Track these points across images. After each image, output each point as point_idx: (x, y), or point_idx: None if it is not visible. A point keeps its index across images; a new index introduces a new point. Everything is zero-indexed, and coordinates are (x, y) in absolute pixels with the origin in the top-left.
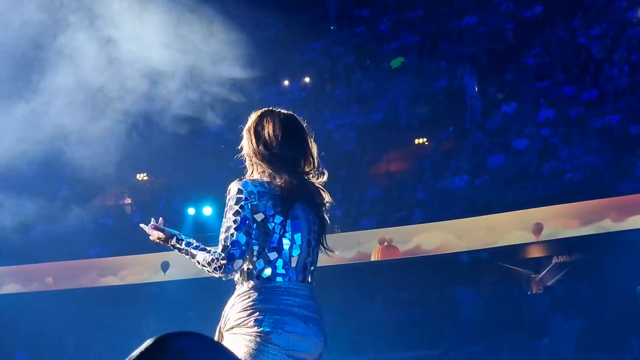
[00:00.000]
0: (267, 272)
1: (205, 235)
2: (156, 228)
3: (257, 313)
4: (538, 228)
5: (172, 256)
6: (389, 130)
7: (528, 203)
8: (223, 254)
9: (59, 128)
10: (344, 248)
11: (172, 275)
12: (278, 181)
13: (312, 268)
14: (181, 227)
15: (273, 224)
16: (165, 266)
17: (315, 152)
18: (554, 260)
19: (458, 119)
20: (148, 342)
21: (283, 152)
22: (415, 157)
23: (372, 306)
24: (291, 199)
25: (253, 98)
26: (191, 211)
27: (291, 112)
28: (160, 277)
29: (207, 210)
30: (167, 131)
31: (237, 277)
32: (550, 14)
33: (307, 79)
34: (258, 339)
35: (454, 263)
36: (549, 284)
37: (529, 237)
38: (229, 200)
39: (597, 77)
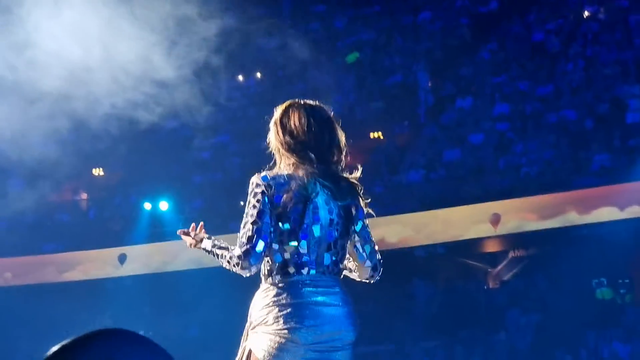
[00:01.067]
0: (286, 265)
1: (161, 230)
2: (185, 233)
3: (277, 310)
4: (496, 218)
5: (128, 249)
6: (344, 125)
7: (484, 197)
8: (241, 251)
9: (8, 122)
10: None
11: (128, 270)
12: (300, 172)
13: (337, 260)
14: (137, 222)
15: (292, 216)
16: (122, 259)
17: (343, 142)
18: (511, 254)
19: (413, 114)
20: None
21: (309, 141)
22: (370, 151)
23: None
24: (312, 189)
25: (207, 93)
26: (147, 206)
27: (318, 103)
28: (117, 272)
29: (164, 205)
30: (123, 126)
31: (260, 272)
32: (505, 9)
33: (261, 75)
34: (278, 337)
35: (410, 257)
36: (506, 278)
37: (485, 232)
38: (248, 195)
39: (552, 72)
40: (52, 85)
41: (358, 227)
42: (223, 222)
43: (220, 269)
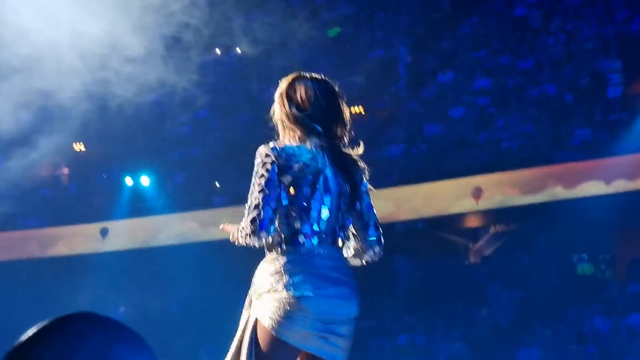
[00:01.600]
0: (295, 235)
1: (143, 205)
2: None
3: (286, 277)
4: (477, 192)
5: (110, 224)
6: None
7: (465, 172)
8: (249, 220)
9: None
10: None
11: (110, 245)
12: (308, 144)
13: (345, 233)
14: (119, 197)
15: (302, 186)
16: (104, 232)
17: (348, 116)
18: (492, 229)
19: (394, 88)
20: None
21: (315, 114)
22: (351, 125)
23: None
24: (321, 161)
25: (186, 67)
26: (129, 181)
27: (323, 76)
28: (99, 247)
29: (145, 180)
30: (104, 101)
31: (266, 242)
32: None
33: (241, 49)
34: (286, 304)
35: (391, 232)
36: (487, 253)
37: (467, 207)
38: (256, 165)
39: (533, 47)
40: (24, 61)
41: (363, 202)
42: (205, 196)
43: (201, 245)
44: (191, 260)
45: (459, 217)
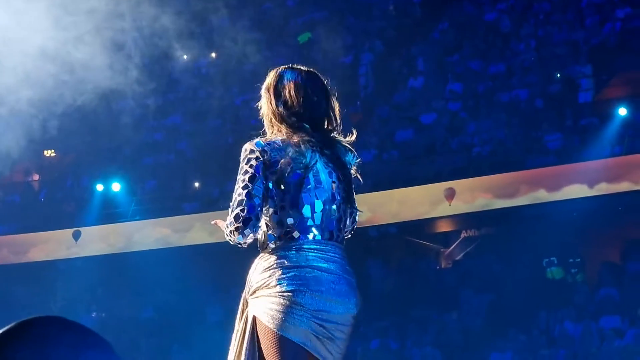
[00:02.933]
0: (288, 231)
1: (113, 211)
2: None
3: (280, 272)
4: (450, 193)
5: (81, 231)
6: None
7: (436, 177)
8: (233, 216)
9: None
10: None
11: (82, 251)
12: (295, 138)
13: (340, 226)
14: (89, 203)
15: (291, 181)
16: (77, 235)
17: (338, 110)
18: (463, 234)
19: (365, 94)
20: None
21: (304, 112)
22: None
23: None
24: (309, 154)
25: (159, 73)
26: (99, 187)
27: (312, 69)
28: (70, 253)
29: (116, 187)
30: (75, 107)
31: (258, 240)
32: None
33: (214, 54)
34: (282, 300)
35: (363, 237)
36: (458, 258)
37: (438, 212)
38: (241, 162)
39: (504, 52)
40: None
41: (353, 192)
42: (176, 203)
43: (174, 250)
44: (164, 266)
45: (430, 222)
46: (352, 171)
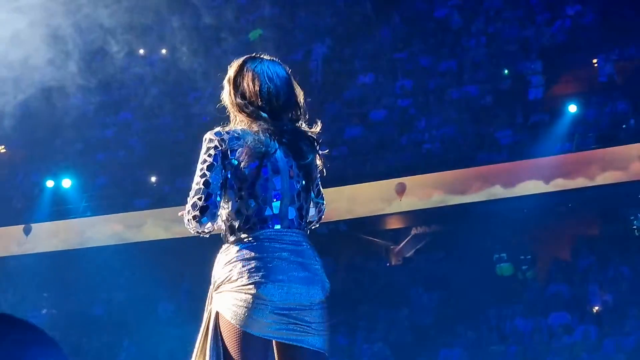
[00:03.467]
0: (247, 221)
1: (64, 207)
2: None
3: (240, 265)
4: (401, 188)
5: (33, 225)
6: None
7: (386, 174)
8: (190, 206)
9: None
10: None
11: (32, 248)
12: (255, 127)
13: (302, 214)
14: (40, 200)
15: (248, 170)
16: (27, 230)
17: (301, 98)
18: (413, 231)
19: (315, 90)
20: None
21: (262, 102)
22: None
23: None
24: (268, 143)
25: (110, 70)
26: (50, 184)
27: (274, 59)
28: (20, 250)
29: (66, 183)
30: (24, 102)
31: (221, 232)
32: None
33: (164, 51)
34: (243, 294)
35: (312, 235)
36: (408, 255)
37: (388, 208)
38: (201, 151)
39: (454, 48)
40: None
41: (316, 181)
42: (127, 199)
43: (126, 246)
44: (114, 263)
45: (380, 219)
46: (318, 161)
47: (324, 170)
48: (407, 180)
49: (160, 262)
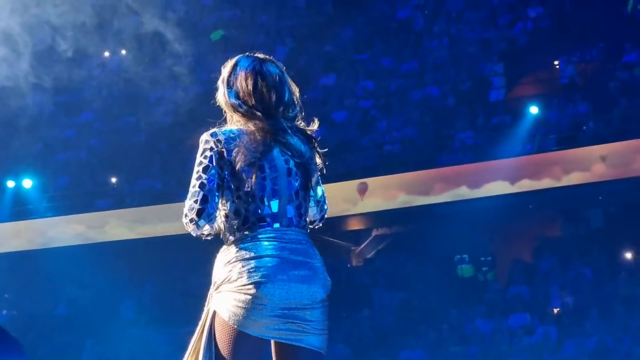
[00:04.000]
0: (246, 221)
1: (25, 208)
2: None
3: (240, 265)
4: (363, 187)
5: None
6: (208, 103)
7: (347, 175)
8: (187, 208)
9: None
10: (165, 220)
11: None
12: (251, 127)
13: (301, 212)
14: (0, 200)
15: (246, 170)
16: None
17: (297, 95)
18: (374, 232)
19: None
20: None
21: (256, 102)
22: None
23: (193, 278)
24: (265, 141)
25: (71, 70)
26: (10, 184)
27: (269, 57)
28: None
29: (27, 183)
30: None
31: (220, 233)
32: None
33: (125, 52)
34: (242, 295)
35: None
36: (369, 256)
37: (349, 209)
38: (197, 153)
39: (416, 49)
40: None
41: (315, 180)
42: (89, 200)
43: (88, 246)
44: (77, 262)
45: (342, 220)
46: (317, 160)
47: (324, 169)
48: (368, 181)
49: (124, 262)
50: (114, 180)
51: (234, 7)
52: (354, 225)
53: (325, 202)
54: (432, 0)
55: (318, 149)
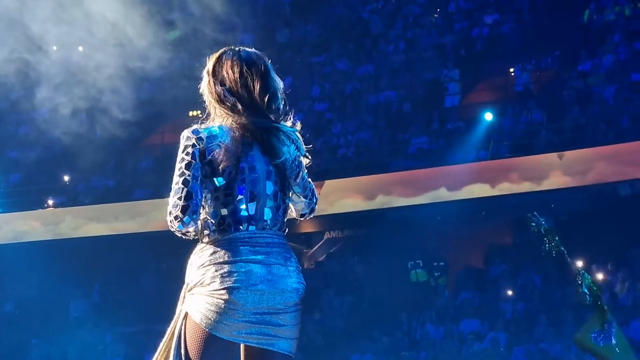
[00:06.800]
0: (223, 222)
1: None
2: None
3: (213, 269)
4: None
5: None
6: (164, 102)
7: None
8: (171, 206)
9: None
10: (117, 218)
11: None
12: (233, 124)
13: (278, 214)
14: None
15: (226, 169)
16: None
17: (280, 91)
18: (326, 235)
19: None
20: None
21: (241, 90)
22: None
23: (143, 277)
24: (245, 141)
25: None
26: None
27: (253, 49)
28: None
29: None
30: None
31: (197, 231)
32: None
33: (81, 48)
34: (215, 299)
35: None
36: (321, 259)
37: None
38: (179, 149)
39: (372, 53)
40: None
41: (298, 179)
42: (41, 196)
43: (38, 244)
44: (26, 260)
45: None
46: (303, 159)
47: (311, 165)
48: (320, 185)
49: (74, 261)
50: (63, 178)
51: (189, 7)
52: (306, 227)
53: (314, 196)
54: (389, 4)
55: (301, 146)
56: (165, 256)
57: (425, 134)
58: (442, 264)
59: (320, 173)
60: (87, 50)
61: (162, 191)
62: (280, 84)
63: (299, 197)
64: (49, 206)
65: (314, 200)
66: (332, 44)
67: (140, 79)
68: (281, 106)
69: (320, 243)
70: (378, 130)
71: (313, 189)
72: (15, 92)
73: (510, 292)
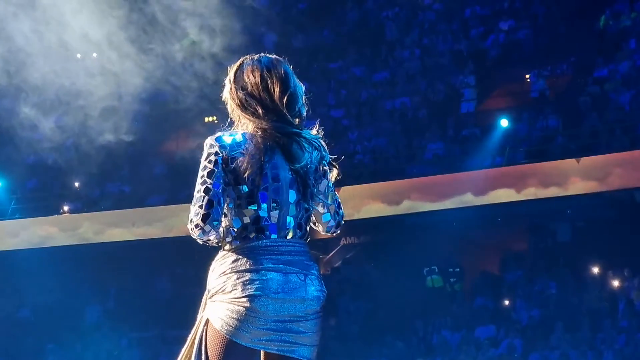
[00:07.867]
0: (246, 230)
1: None
2: None
3: (235, 277)
4: None
5: None
6: (177, 111)
7: None
8: (193, 213)
9: None
10: (133, 224)
11: None
12: (257, 131)
13: (300, 223)
14: None
15: (249, 177)
16: None
17: (302, 95)
18: (342, 241)
19: None
20: None
21: (263, 95)
22: (204, 135)
23: (158, 283)
24: (267, 147)
25: (44, 72)
26: None
27: (275, 56)
28: None
29: None
30: None
31: (220, 238)
32: None
33: (95, 54)
34: (237, 306)
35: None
36: (337, 265)
37: None
38: (202, 157)
39: (388, 60)
40: None
41: (322, 187)
42: (56, 202)
43: (55, 249)
44: (43, 265)
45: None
46: (330, 169)
47: (329, 175)
48: (337, 191)
49: (90, 266)
50: (78, 184)
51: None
52: (322, 234)
53: (340, 208)
54: (405, 10)
55: (327, 155)
56: (181, 262)
57: (441, 140)
58: (458, 270)
59: (337, 180)
60: (101, 56)
61: (177, 197)
62: (302, 87)
63: (324, 208)
64: (64, 212)
65: (340, 214)
66: (348, 50)
67: (155, 85)
68: (303, 110)
69: (337, 249)
70: (394, 136)
71: (339, 202)
72: (32, 97)
73: (526, 298)
